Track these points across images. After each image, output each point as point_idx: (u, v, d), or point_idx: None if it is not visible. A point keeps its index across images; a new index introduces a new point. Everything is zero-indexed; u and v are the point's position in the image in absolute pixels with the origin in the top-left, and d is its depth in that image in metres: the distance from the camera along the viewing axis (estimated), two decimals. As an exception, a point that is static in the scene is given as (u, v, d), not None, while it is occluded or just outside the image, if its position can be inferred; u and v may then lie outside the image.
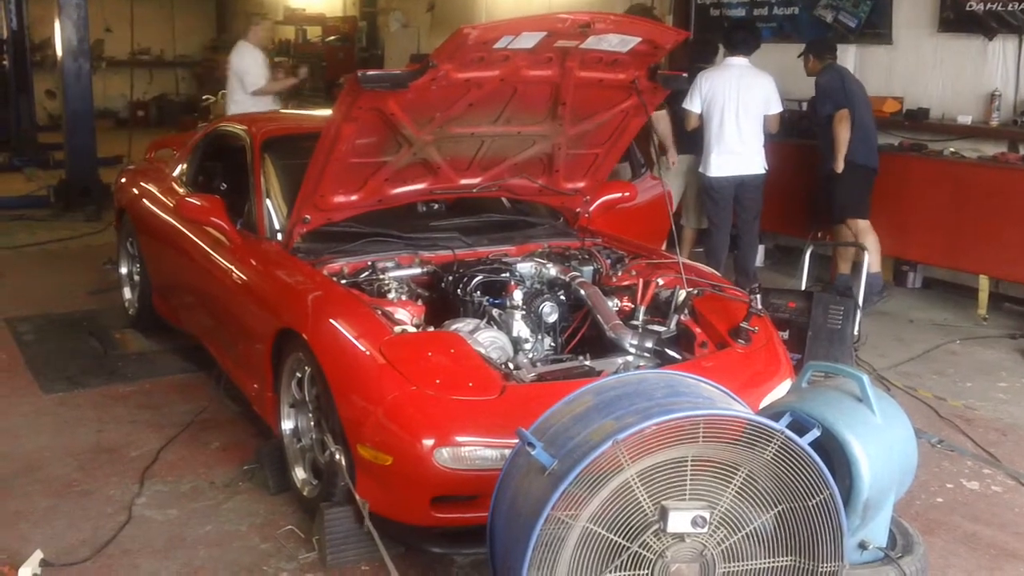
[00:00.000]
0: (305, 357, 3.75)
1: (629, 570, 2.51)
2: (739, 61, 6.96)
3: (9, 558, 3.49)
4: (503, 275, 4.23)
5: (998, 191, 6.68)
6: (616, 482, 2.47)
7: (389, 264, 4.29)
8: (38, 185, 10.62)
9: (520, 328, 3.99)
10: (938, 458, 4.54)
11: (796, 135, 7.79)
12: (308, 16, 16.47)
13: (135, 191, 6.06)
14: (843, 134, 6.66)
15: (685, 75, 4.68)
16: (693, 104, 6.95)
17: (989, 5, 6.99)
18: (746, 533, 2.58)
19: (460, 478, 3.25)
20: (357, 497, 3.38)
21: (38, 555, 3.41)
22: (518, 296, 4.07)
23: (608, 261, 4.57)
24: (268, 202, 4.68)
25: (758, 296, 4.09)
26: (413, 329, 3.75)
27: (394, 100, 3.80)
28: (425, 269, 4.35)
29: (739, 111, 6.81)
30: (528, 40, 3.73)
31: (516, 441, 2.75)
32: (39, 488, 4.06)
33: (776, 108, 6.96)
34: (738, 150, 6.88)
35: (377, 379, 3.44)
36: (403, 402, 3.35)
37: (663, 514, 2.46)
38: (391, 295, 3.98)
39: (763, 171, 6.98)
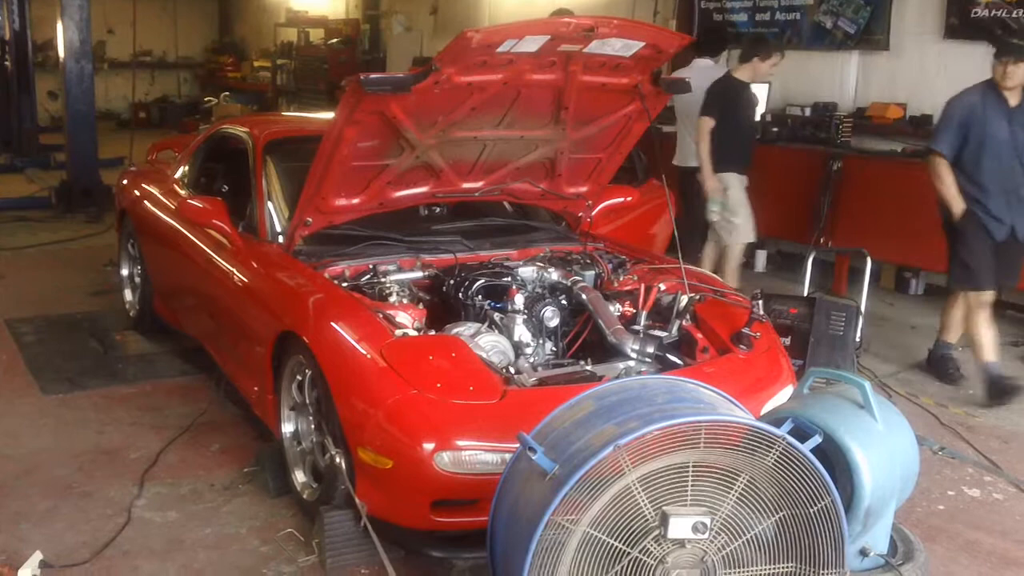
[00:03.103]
0: (306, 360, 3.74)
1: (630, 576, 2.51)
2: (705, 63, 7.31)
3: (8, 559, 3.48)
4: (505, 279, 4.22)
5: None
6: (617, 487, 2.46)
7: (390, 267, 4.29)
8: (39, 186, 10.61)
9: (521, 332, 3.98)
10: (939, 465, 4.54)
11: (798, 140, 7.79)
12: (311, 19, 16.50)
13: (136, 193, 6.06)
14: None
15: (688, 80, 4.69)
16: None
17: (994, 12, 7.01)
18: (747, 539, 2.57)
19: (460, 482, 3.24)
20: (356, 500, 3.37)
21: (37, 556, 3.41)
22: (519, 300, 4.07)
23: (610, 266, 4.57)
24: (270, 205, 4.67)
25: (760, 302, 4.08)
26: (414, 332, 3.75)
27: (397, 103, 3.80)
28: (426, 273, 4.34)
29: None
30: (531, 44, 3.73)
31: (517, 445, 2.75)
32: (39, 489, 4.06)
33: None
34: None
35: (378, 382, 3.43)
36: (404, 405, 3.34)
37: (664, 520, 2.45)
38: (392, 298, 3.98)
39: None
